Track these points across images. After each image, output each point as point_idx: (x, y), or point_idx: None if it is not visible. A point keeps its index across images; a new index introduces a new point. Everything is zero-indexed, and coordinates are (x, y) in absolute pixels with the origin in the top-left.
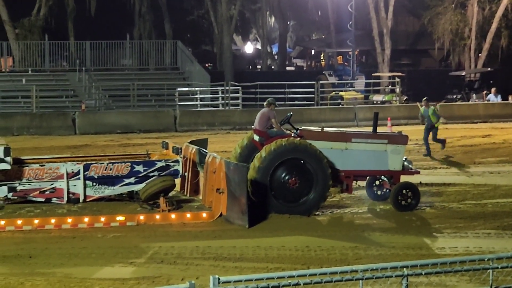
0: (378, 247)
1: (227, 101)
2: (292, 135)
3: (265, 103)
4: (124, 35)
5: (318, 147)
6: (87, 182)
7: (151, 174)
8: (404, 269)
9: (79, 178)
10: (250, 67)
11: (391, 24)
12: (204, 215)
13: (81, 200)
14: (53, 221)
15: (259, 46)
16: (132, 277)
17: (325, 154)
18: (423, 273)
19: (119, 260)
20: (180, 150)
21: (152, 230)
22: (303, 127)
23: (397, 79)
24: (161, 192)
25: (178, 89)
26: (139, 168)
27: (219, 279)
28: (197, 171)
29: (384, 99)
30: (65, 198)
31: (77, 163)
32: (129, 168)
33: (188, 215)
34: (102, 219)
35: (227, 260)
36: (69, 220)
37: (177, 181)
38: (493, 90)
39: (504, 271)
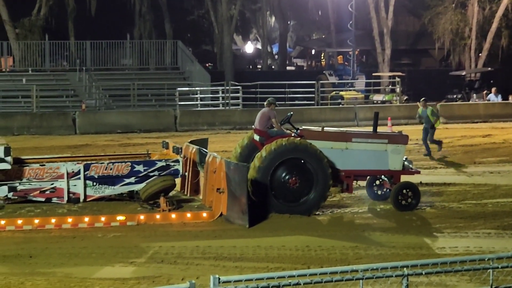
0: (379, 246)
1: (227, 101)
2: (293, 134)
3: (265, 103)
4: (125, 35)
5: (319, 147)
6: (88, 181)
7: (152, 174)
8: (405, 268)
9: (79, 178)
10: (251, 67)
11: (391, 24)
12: (205, 214)
13: (81, 199)
14: (53, 220)
15: (259, 46)
16: (133, 277)
17: (325, 153)
18: (424, 273)
19: (119, 259)
20: (180, 150)
21: (152, 229)
22: (303, 127)
23: (397, 79)
24: (162, 191)
25: (179, 89)
26: (140, 167)
27: (219, 278)
28: (197, 171)
29: (384, 99)
30: (66, 198)
31: (78, 163)
32: (130, 167)
33: (189, 215)
34: (103, 218)
35: (227, 260)
36: (70, 219)
37: (178, 180)
38: (493, 90)
39: (505, 271)
